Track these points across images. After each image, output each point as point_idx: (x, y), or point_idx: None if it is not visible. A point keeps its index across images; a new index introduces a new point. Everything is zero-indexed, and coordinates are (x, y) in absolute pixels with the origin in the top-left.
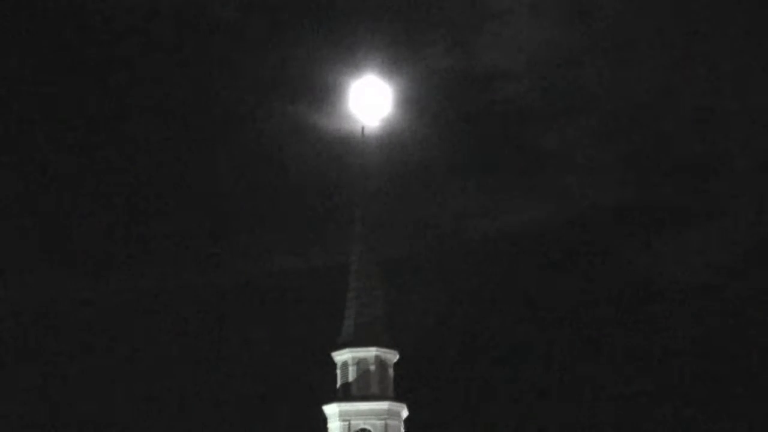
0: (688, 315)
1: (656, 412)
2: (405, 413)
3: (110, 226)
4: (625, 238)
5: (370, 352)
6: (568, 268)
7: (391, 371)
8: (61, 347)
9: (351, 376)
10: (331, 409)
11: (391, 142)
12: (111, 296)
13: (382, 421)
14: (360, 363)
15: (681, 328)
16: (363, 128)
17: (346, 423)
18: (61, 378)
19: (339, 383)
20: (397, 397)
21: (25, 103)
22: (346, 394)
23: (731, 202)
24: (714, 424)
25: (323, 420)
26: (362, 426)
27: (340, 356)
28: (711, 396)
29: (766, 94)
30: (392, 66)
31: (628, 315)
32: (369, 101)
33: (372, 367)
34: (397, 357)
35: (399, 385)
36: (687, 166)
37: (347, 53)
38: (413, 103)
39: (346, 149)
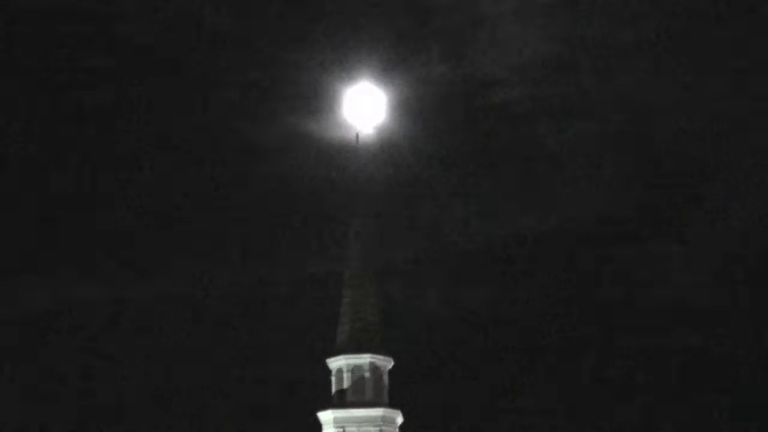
0: (686, 322)
1: (655, 419)
2: (400, 420)
3: (107, 233)
4: (621, 244)
5: (364, 359)
6: (564, 275)
7: (385, 378)
8: (55, 350)
9: (346, 383)
10: (325, 416)
11: (385, 149)
12: (107, 302)
13: (377, 428)
14: (355, 370)
15: (678, 334)
16: (357, 135)
17: (341, 430)
18: (57, 379)
19: (334, 390)
20: (392, 404)
21: (23, 109)
22: (340, 400)
23: (729, 209)
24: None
25: (318, 427)
26: None
27: (335, 363)
28: (708, 402)
29: (765, 100)
30: (387, 73)
31: (627, 321)
32: (363, 108)
33: (367, 374)
34: (392, 364)
35: (394, 391)
36: (684, 173)
37: (341, 60)
38: (408, 109)
39: (341, 156)
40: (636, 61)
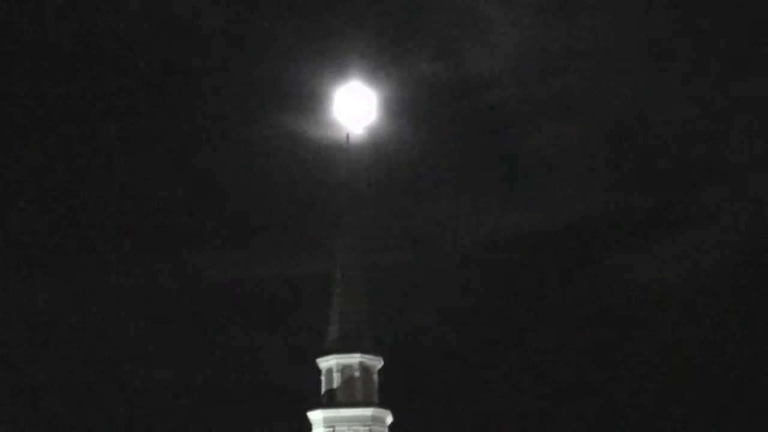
0: (676, 319)
1: (643, 415)
2: (389, 419)
3: (97, 231)
4: (611, 243)
5: (354, 359)
6: (554, 275)
7: (375, 377)
8: (41, 349)
9: (336, 383)
10: (315, 416)
11: (376, 149)
12: (97, 300)
13: (367, 428)
14: (344, 369)
15: (669, 331)
16: (348, 135)
17: (331, 429)
18: (46, 377)
19: (324, 390)
20: (382, 404)
21: (18, 108)
22: (330, 400)
23: (719, 207)
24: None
25: (308, 426)
26: None
27: (325, 363)
28: (699, 398)
29: (755, 99)
30: (377, 73)
31: (616, 320)
32: (354, 108)
33: (356, 374)
34: (382, 363)
35: (383, 391)
36: (674, 172)
37: (332, 60)
38: (398, 110)
39: (331, 156)
40: (627, 62)
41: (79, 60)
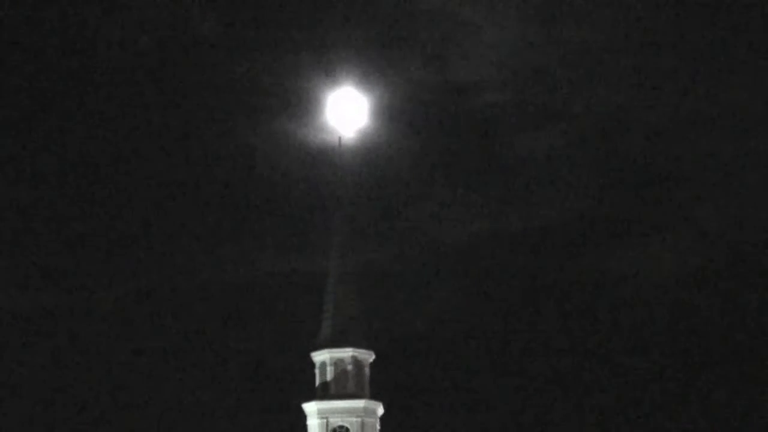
0: (652, 318)
1: (622, 412)
2: (380, 411)
3: (92, 234)
4: (593, 244)
5: (347, 353)
6: (538, 273)
7: (367, 371)
8: (49, 350)
9: (329, 376)
10: (310, 407)
11: (367, 152)
12: (93, 301)
13: (359, 419)
14: (337, 363)
15: (645, 330)
16: (340, 139)
17: (324, 420)
18: (50, 378)
19: (317, 382)
20: (373, 396)
21: (16, 109)
22: (324, 392)
23: (694, 211)
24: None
25: (302, 417)
26: (339, 423)
27: (319, 356)
28: (670, 395)
29: (731, 106)
30: (369, 78)
31: (595, 319)
32: (346, 113)
33: (349, 367)
34: (373, 357)
35: (375, 384)
36: (653, 175)
37: (324, 65)
38: (389, 114)
39: (324, 159)
40: (610, 70)
41: (80, 65)
